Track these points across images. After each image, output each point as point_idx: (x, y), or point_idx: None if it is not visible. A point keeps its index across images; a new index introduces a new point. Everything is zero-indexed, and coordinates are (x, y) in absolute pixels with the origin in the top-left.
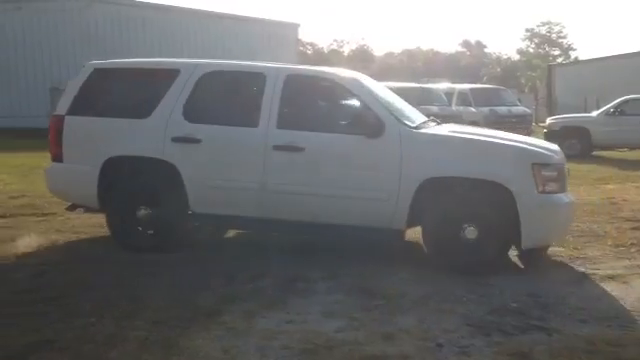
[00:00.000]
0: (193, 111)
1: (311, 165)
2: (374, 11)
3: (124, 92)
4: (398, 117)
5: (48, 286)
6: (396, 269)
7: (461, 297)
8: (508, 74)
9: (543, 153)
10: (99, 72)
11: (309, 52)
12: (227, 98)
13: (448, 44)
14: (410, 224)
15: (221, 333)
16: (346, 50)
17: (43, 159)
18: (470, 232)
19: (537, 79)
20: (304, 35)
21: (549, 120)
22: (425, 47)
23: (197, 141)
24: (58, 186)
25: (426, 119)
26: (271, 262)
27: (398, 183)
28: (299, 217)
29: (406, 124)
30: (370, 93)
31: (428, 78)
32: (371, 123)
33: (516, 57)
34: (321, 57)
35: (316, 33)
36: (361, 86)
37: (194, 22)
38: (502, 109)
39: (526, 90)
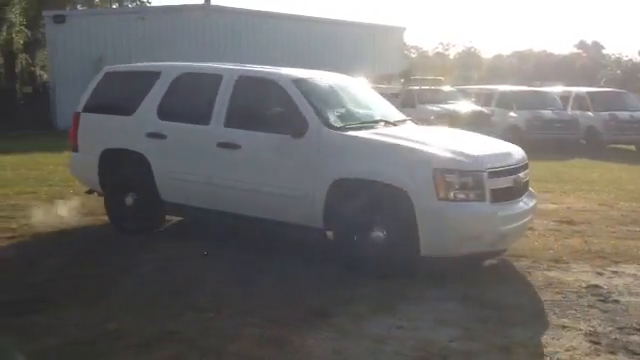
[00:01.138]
0: (164, 110)
1: (246, 162)
2: (482, 13)
3: (121, 92)
4: (326, 118)
5: (169, 280)
6: (509, 279)
7: (582, 312)
8: (629, 77)
9: (450, 159)
10: (108, 75)
11: (413, 55)
12: (190, 98)
13: (562, 45)
14: (327, 224)
15: (332, 334)
16: (452, 53)
17: None
18: (377, 235)
19: None
20: (410, 38)
21: None
22: (537, 48)
23: (164, 137)
24: (76, 172)
25: (390, 121)
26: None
27: (313, 183)
28: (238, 210)
29: (331, 125)
30: (306, 94)
31: (541, 81)
32: (296, 123)
33: (638, 58)
34: (426, 60)
35: (422, 36)
36: (300, 87)
37: (301, 27)
38: (624, 114)
39: None
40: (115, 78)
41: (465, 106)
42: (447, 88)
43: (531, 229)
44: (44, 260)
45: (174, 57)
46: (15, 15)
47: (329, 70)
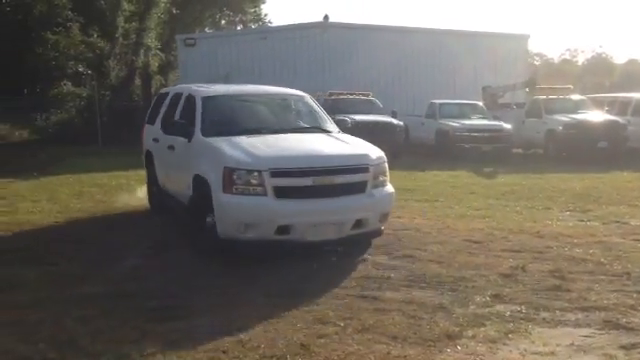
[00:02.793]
0: (163, 122)
1: (176, 159)
2: (612, 16)
3: (158, 108)
4: (205, 128)
5: (295, 291)
6: None
7: None
8: None
9: (238, 160)
10: (158, 95)
11: (537, 63)
12: (169, 111)
13: None
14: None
15: (463, 356)
16: (580, 59)
17: None
18: (210, 221)
19: None
20: (534, 46)
21: None
22: None
23: (158, 141)
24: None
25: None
26: (508, 285)
27: (188, 177)
28: (178, 196)
29: (205, 132)
30: (206, 108)
31: None
32: (190, 131)
33: None
34: (551, 68)
35: (547, 43)
36: (205, 102)
37: (418, 39)
38: None
39: None
40: (159, 97)
41: (597, 116)
42: (577, 97)
43: None
44: (178, 269)
45: (292, 73)
46: (151, 40)
47: (447, 80)
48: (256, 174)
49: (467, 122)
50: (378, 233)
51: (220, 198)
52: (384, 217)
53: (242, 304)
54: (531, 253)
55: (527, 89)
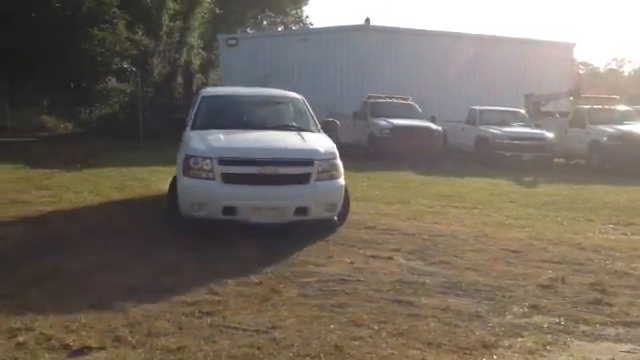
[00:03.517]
0: (194, 123)
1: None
2: None
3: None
4: (195, 122)
5: (329, 294)
6: None
7: None
8: None
9: (195, 149)
10: (196, 94)
11: (582, 72)
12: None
13: None
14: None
15: None
16: (627, 69)
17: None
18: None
19: None
20: (580, 54)
21: None
22: None
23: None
24: None
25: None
26: (547, 296)
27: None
28: None
29: (194, 127)
30: (203, 105)
31: None
32: (184, 125)
33: None
34: (596, 77)
35: (593, 52)
36: (204, 100)
37: (458, 44)
38: None
39: None
40: (195, 97)
41: None
42: (623, 107)
43: None
44: (215, 265)
45: (331, 75)
46: (194, 38)
47: (488, 87)
48: (208, 161)
49: (508, 129)
50: (331, 222)
51: (181, 181)
52: (332, 207)
53: (277, 303)
54: (571, 265)
55: (571, 98)
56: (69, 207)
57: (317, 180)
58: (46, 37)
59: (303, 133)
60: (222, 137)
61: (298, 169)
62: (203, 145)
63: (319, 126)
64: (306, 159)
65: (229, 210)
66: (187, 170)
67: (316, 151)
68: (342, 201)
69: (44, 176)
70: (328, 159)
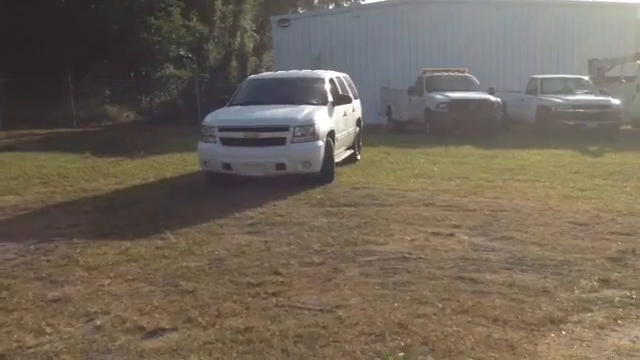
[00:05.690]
0: (231, 101)
1: None
2: None
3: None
4: (233, 99)
5: (391, 271)
6: None
7: None
8: None
9: (207, 119)
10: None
11: None
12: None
13: None
14: None
15: (569, 342)
16: None
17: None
18: None
19: None
20: None
21: None
22: None
23: None
24: None
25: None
26: (617, 269)
27: None
28: None
29: (231, 103)
30: (245, 86)
31: None
32: (226, 103)
33: None
34: None
35: None
36: (246, 82)
37: (517, 12)
38: None
39: None
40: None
41: None
42: None
43: None
44: (277, 246)
45: (384, 51)
46: (247, 22)
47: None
48: (213, 129)
49: (571, 98)
50: (316, 175)
51: (199, 144)
52: (307, 164)
53: (340, 283)
54: None
55: (638, 62)
56: (137, 194)
57: (293, 142)
58: (106, 28)
59: (303, 106)
60: (232, 111)
61: (275, 133)
62: (213, 117)
63: (330, 100)
64: (282, 126)
65: (226, 166)
66: (201, 136)
67: (293, 119)
68: (321, 159)
69: (110, 164)
70: (303, 125)
